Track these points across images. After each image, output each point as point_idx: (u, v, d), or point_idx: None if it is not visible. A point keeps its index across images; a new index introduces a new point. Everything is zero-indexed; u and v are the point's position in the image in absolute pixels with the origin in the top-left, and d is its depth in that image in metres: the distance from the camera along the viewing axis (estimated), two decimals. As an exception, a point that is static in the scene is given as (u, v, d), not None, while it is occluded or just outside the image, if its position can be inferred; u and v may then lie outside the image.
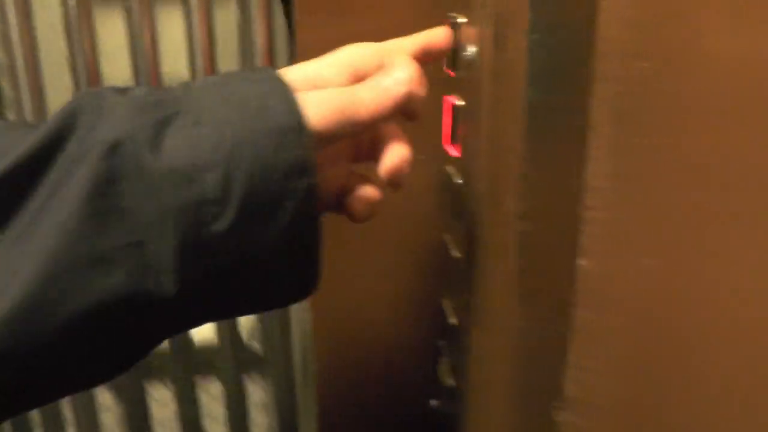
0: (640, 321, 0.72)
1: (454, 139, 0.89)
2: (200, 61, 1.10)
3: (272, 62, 1.23)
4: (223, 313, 0.71)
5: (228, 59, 1.24)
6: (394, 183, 0.75)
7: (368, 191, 0.76)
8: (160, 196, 0.59)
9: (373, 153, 0.75)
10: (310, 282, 0.71)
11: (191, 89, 0.65)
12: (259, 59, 1.22)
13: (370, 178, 0.76)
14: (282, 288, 0.69)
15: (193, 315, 0.66)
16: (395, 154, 0.74)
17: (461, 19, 0.82)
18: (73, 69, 1.00)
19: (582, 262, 0.72)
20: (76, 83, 1.06)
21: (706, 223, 0.66)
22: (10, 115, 1.23)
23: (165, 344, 1.00)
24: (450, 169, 0.92)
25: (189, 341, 1.41)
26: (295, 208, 0.63)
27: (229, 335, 1.23)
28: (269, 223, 0.62)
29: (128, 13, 1.07)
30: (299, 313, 1.23)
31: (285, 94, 0.64)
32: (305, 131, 0.63)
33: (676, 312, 0.69)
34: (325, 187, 0.72)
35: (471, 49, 0.77)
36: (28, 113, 1.18)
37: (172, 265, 0.59)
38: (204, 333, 1.50)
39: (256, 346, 1.52)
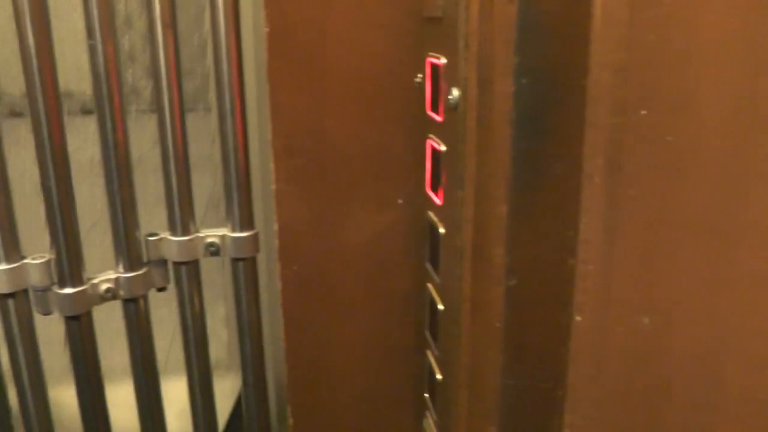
0: (636, 379, 0.68)
1: (436, 186, 0.85)
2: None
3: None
4: None
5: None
6: None
7: None
8: None
9: None
10: None
11: None
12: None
13: None
14: None
15: None
16: None
17: (443, 60, 0.78)
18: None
19: (578, 317, 0.69)
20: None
21: (703, 280, 0.63)
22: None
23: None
24: (432, 216, 0.88)
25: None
26: None
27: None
28: None
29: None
30: (273, 363, 1.18)
31: None
32: None
33: (673, 371, 0.67)
34: None
35: (454, 92, 0.73)
36: None
37: None
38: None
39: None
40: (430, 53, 0.83)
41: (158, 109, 1.00)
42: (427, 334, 0.95)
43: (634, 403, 0.69)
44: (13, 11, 0.91)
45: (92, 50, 0.96)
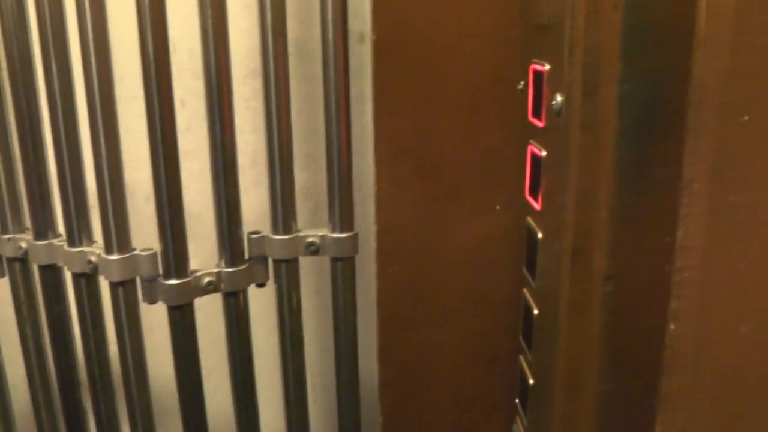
0: (733, 390, 0.68)
1: (535, 191, 0.85)
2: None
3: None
4: None
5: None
6: None
7: None
8: None
9: None
10: None
11: None
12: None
13: None
14: None
15: None
16: None
17: (546, 66, 0.79)
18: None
19: (672, 326, 0.68)
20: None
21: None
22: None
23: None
24: (531, 221, 0.89)
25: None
26: None
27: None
28: None
29: None
30: (367, 361, 1.20)
31: None
32: None
33: None
34: None
35: (558, 98, 0.74)
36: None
37: None
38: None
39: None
40: (534, 60, 0.84)
41: (266, 109, 1.04)
42: (521, 339, 0.95)
43: (731, 414, 0.68)
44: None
45: (206, 54, 1.00)
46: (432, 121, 0.94)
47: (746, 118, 0.60)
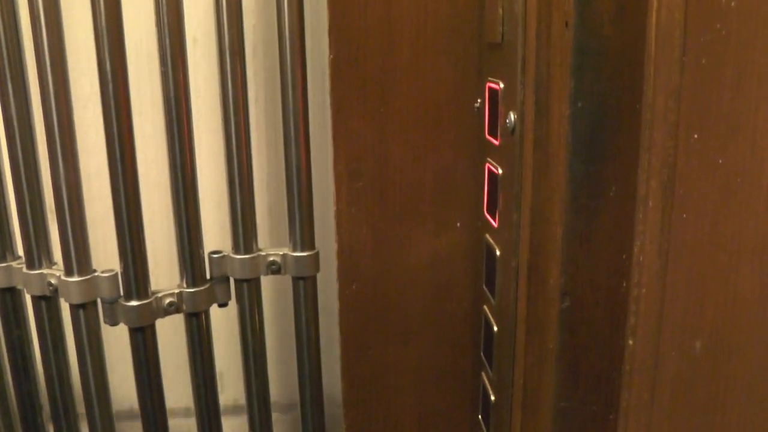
0: (689, 405, 0.68)
1: (493, 209, 0.86)
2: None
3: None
4: None
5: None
6: None
7: None
8: None
9: None
10: None
11: None
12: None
13: None
14: None
15: None
16: None
17: (501, 84, 0.80)
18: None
19: (630, 341, 0.69)
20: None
21: (757, 303, 0.62)
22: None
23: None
24: (489, 238, 0.89)
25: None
26: None
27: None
28: None
29: None
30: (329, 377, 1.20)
31: None
32: None
33: (727, 396, 0.66)
34: None
35: (512, 116, 0.74)
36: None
37: None
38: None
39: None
40: (489, 78, 0.85)
41: (225, 132, 1.04)
42: (483, 356, 0.95)
43: (687, 428, 0.69)
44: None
45: (164, 77, 1.00)
46: (389, 140, 0.94)
47: (696, 136, 0.61)
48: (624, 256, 0.69)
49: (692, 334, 0.66)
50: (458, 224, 0.98)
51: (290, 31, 1.00)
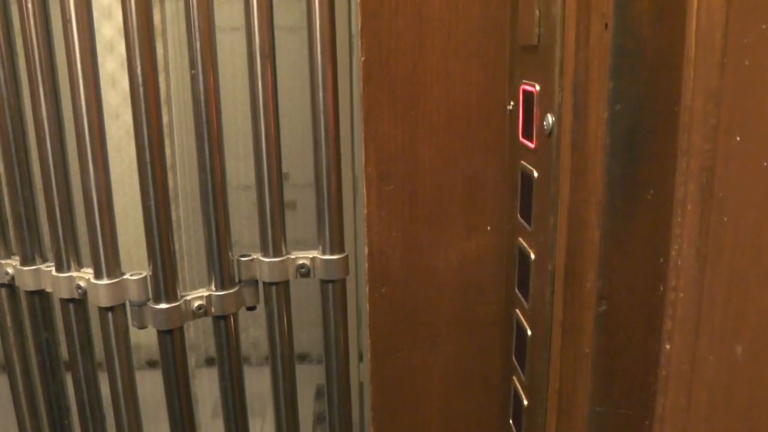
0: (728, 410, 0.67)
1: (527, 212, 0.85)
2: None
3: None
4: None
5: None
6: None
7: None
8: None
9: None
10: None
11: None
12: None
13: None
14: None
15: None
16: None
17: (537, 87, 0.79)
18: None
19: (667, 345, 0.68)
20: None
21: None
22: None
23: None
24: (522, 242, 0.89)
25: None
26: None
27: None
28: None
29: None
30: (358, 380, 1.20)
31: None
32: None
33: (766, 402, 0.65)
34: None
35: (549, 119, 0.74)
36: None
37: None
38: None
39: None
40: (524, 80, 0.84)
41: (254, 134, 1.03)
42: (514, 360, 0.95)
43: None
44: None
45: (194, 79, 1.00)
46: (419, 143, 0.94)
47: (738, 138, 0.60)
48: (661, 260, 0.68)
49: (732, 339, 0.65)
50: (488, 227, 0.97)
51: (321, 34, 1.00)
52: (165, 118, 1.04)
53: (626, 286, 0.71)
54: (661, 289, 0.69)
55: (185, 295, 1.07)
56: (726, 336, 0.65)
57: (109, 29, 1.09)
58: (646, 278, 0.70)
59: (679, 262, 0.66)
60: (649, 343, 0.71)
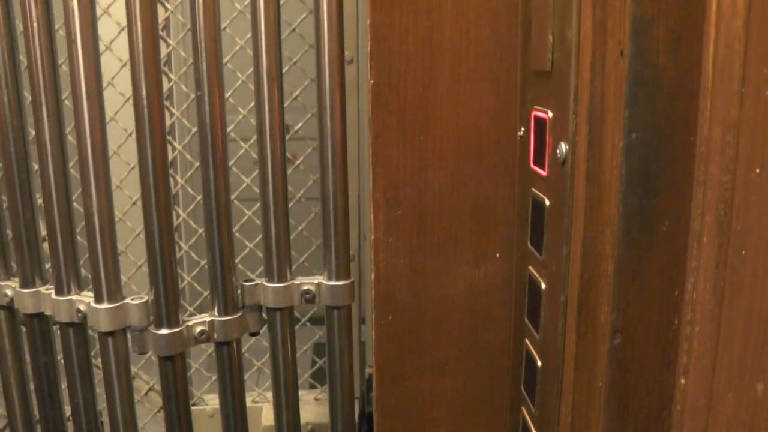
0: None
1: (538, 241, 0.84)
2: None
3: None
4: None
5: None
6: None
7: None
8: None
9: None
10: None
11: None
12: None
13: None
14: None
15: None
16: None
17: (549, 114, 0.78)
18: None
19: (682, 380, 0.67)
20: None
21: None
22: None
23: None
24: (533, 271, 0.87)
25: None
26: None
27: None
28: None
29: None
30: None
31: None
32: None
33: None
34: None
35: (563, 147, 0.72)
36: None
37: None
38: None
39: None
40: (535, 107, 0.83)
41: (260, 160, 1.02)
42: (523, 390, 0.93)
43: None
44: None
45: (199, 101, 0.99)
46: (427, 168, 0.93)
47: (758, 170, 0.58)
48: (676, 293, 0.67)
49: (753, 376, 0.63)
50: (497, 255, 0.96)
51: (329, 56, 0.98)
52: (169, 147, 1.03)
53: (641, 318, 0.69)
54: (676, 322, 0.67)
55: (187, 321, 1.05)
56: (746, 372, 0.64)
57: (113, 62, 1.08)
58: (661, 311, 0.68)
59: (695, 296, 0.65)
60: (664, 378, 0.69)
